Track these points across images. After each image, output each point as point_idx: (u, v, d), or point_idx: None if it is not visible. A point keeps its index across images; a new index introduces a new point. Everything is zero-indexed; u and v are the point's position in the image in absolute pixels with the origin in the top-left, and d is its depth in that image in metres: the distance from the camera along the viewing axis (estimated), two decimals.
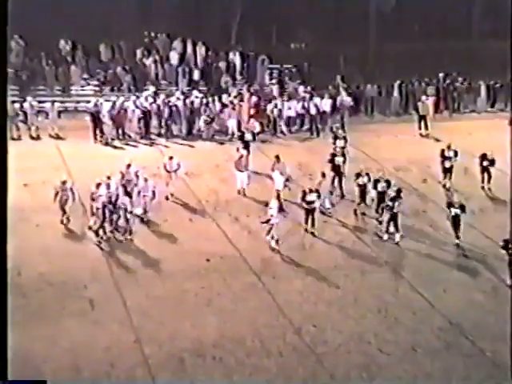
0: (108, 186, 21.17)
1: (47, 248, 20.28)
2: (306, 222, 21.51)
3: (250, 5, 37.38)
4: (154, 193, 22.09)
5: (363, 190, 22.61)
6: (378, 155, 26.96)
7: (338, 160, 24.01)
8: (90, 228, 20.94)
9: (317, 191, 21.42)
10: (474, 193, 24.26)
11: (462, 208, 20.86)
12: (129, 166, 22.71)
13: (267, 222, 20.57)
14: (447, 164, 24.58)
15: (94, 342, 16.27)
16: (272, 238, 20.58)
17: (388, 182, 21.97)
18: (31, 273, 18.75)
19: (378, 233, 21.58)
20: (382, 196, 21.61)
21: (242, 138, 27.22)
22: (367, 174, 22.79)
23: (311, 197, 21.26)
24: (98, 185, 20.97)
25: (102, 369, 15.40)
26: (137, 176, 22.30)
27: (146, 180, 22.18)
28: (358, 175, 22.68)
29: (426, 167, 25.76)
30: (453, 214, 20.74)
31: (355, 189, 22.98)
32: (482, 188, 24.77)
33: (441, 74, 34.34)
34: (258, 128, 29.86)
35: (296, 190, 24.27)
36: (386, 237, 21.27)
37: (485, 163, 24.61)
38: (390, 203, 21.03)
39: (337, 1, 38.59)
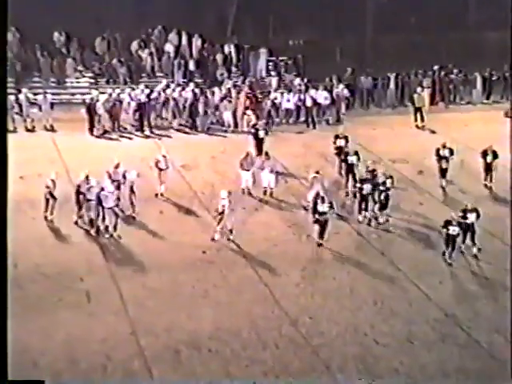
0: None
1: (43, 240, 20.28)
2: (319, 236, 20.34)
3: None
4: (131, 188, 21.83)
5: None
6: (374, 147, 26.97)
7: (351, 159, 23.85)
8: (76, 222, 21.03)
9: (330, 202, 20.29)
10: (472, 187, 24.29)
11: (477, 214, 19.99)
12: (117, 166, 22.06)
13: (221, 213, 20.46)
14: (444, 164, 24.25)
15: (90, 333, 16.29)
16: (222, 228, 20.47)
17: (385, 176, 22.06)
18: (28, 265, 18.74)
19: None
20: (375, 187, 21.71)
21: (255, 135, 26.49)
22: (356, 153, 23.85)
23: (323, 207, 20.13)
24: (86, 178, 20.90)
25: (98, 360, 15.42)
26: (124, 177, 21.82)
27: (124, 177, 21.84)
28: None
29: (421, 159, 25.76)
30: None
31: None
32: (486, 186, 24.46)
33: (436, 66, 34.30)
34: (253, 120, 29.87)
35: (292, 183, 24.43)
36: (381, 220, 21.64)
37: (488, 159, 24.20)
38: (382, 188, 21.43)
39: None
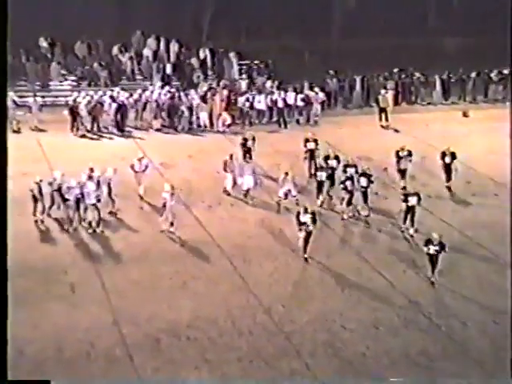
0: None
1: (29, 236, 20.12)
2: (303, 249, 19.29)
3: (221, 4, 37.39)
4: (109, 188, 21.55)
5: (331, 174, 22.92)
6: (342, 145, 27.04)
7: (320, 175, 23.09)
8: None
9: (312, 213, 19.27)
10: (430, 182, 24.48)
11: (418, 197, 20.77)
12: (92, 169, 21.39)
13: (164, 205, 20.49)
14: (402, 165, 23.86)
15: (74, 323, 16.23)
16: (166, 219, 20.45)
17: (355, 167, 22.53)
18: (16, 260, 18.49)
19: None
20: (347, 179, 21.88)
21: (244, 145, 25.64)
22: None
23: (305, 218, 19.11)
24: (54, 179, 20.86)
25: (82, 348, 15.39)
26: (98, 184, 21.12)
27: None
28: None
29: (386, 157, 25.87)
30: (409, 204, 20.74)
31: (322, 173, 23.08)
32: (447, 188, 24.08)
33: (399, 69, 34.47)
34: (229, 120, 29.94)
35: (264, 179, 24.43)
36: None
37: (447, 160, 23.90)
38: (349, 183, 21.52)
39: (302, 0, 38.65)
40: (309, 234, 19.08)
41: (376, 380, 14.57)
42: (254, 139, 25.71)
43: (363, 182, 21.99)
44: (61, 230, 20.69)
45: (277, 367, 14.98)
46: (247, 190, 23.06)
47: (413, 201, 20.72)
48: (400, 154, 23.93)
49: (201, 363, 15.04)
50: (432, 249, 17.93)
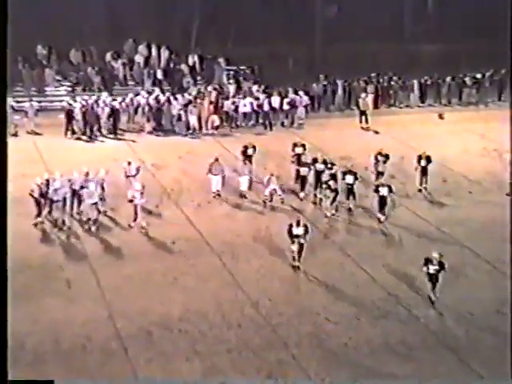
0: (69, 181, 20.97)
1: (27, 235, 20.05)
2: (294, 259, 18.55)
3: (209, 12, 37.47)
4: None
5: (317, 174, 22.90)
6: (325, 146, 27.11)
7: (304, 170, 23.16)
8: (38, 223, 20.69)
9: (305, 226, 18.44)
10: (408, 180, 24.60)
11: (390, 189, 21.44)
12: (87, 173, 21.32)
13: (131, 201, 20.57)
14: (380, 167, 23.66)
15: (71, 317, 16.23)
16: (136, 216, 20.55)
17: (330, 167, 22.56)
18: (15, 258, 18.45)
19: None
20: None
21: (244, 152, 24.58)
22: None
23: (298, 230, 18.33)
24: (47, 181, 20.65)
25: (79, 341, 15.39)
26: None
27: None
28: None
29: (367, 157, 25.91)
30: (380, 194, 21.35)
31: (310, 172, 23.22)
32: (420, 191, 23.71)
33: (378, 74, 34.59)
34: (217, 122, 30.04)
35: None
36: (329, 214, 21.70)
37: (423, 163, 23.53)
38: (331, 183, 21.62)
39: (286, 9, 38.81)
40: (301, 245, 18.36)
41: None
42: (254, 148, 24.83)
43: (349, 179, 22.09)
44: (58, 229, 20.63)
45: (264, 358, 15.03)
46: (244, 192, 23.02)
47: (383, 191, 21.23)
48: (378, 157, 23.83)
49: (191, 355, 15.07)
50: (432, 268, 16.91)
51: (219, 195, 23.06)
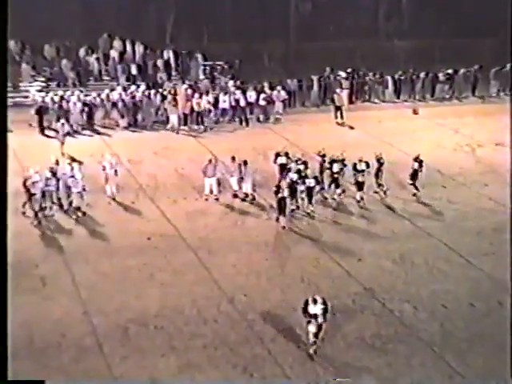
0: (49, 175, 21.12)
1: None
2: (309, 343, 15.30)
3: (183, 7, 37.25)
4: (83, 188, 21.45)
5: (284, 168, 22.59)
6: (300, 142, 27.12)
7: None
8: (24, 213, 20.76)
9: (323, 303, 15.05)
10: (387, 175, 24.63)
11: (367, 165, 22.11)
12: (57, 162, 21.95)
13: (104, 169, 21.88)
14: (360, 178, 22.16)
15: (46, 314, 16.10)
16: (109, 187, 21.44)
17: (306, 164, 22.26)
18: None
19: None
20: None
21: (234, 158, 22.71)
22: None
23: (315, 309, 15.04)
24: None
25: (53, 338, 15.27)
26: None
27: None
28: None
29: (342, 152, 25.98)
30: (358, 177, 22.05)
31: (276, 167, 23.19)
32: (414, 195, 22.96)
33: (353, 70, 34.63)
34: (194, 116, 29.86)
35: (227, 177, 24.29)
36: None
37: (415, 166, 22.65)
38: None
39: (261, 5, 38.74)
40: (320, 326, 15.08)
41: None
42: (245, 163, 22.49)
43: (335, 168, 22.19)
44: (31, 224, 20.43)
45: (240, 353, 15.01)
46: (235, 191, 22.73)
47: (336, 168, 21.97)
48: (358, 167, 22.29)
49: (168, 351, 15.01)
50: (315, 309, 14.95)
51: (217, 199, 22.45)
